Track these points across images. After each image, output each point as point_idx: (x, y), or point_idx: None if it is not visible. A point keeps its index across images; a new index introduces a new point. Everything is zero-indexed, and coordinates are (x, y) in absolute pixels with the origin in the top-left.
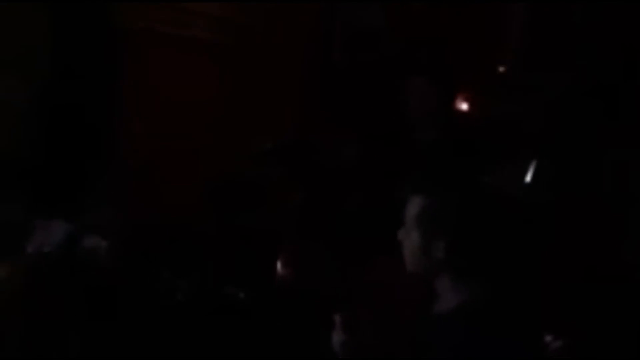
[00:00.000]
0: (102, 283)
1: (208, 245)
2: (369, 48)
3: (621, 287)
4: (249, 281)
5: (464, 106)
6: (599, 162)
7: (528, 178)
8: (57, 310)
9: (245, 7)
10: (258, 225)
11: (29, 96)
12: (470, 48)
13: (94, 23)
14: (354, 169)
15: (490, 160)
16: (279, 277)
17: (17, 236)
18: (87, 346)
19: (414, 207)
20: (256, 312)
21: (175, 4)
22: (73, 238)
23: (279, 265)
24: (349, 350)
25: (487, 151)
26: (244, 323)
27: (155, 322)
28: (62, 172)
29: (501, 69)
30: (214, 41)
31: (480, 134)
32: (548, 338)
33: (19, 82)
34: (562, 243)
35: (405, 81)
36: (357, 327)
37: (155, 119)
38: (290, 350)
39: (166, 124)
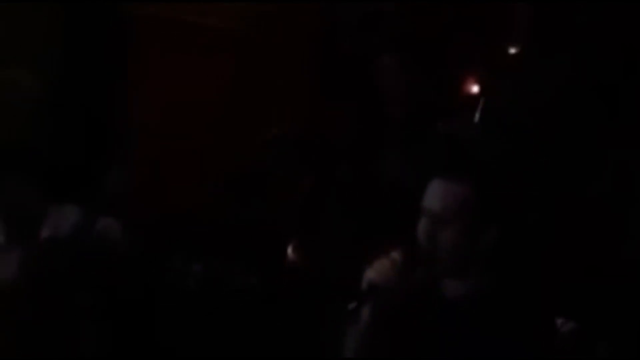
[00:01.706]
0: (116, 267)
1: (220, 232)
2: (375, 33)
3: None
4: (260, 267)
5: (473, 87)
6: (599, 159)
7: (476, 117)
8: (71, 294)
9: None
10: (268, 213)
11: (42, 85)
12: (480, 30)
13: (104, 11)
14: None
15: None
16: (289, 263)
17: (32, 222)
18: (100, 330)
19: (428, 195)
20: (267, 297)
21: None
22: (86, 221)
23: (289, 252)
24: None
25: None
26: (255, 308)
27: (167, 307)
28: (76, 158)
29: (512, 50)
30: (224, 29)
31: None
32: (560, 321)
33: (30, 71)
34: (563, 239)
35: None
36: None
37: (166, 106)
38: (300, 335)
39: (175, 112)
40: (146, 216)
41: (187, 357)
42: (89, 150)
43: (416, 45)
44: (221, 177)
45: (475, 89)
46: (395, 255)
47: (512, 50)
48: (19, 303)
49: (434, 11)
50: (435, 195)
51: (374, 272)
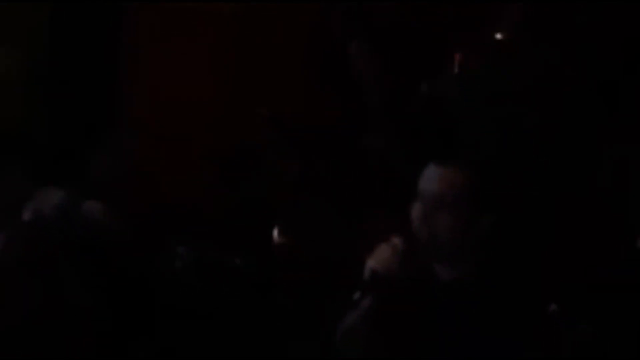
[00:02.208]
0: (101, 248)
1: (207, 214)
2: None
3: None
4: (246, 248)
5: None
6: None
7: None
8: (56, 276)
9: None
10: (257, 194)
11: (27, 66)
12: (467, 14)
13: None
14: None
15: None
16: (276, 245)
17: (15, 205)
18: (86, 310)
19: (425, 180)
20: (253, 279)
21: None
22: (71, 204)
23: (276, 233)
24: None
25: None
26: (241, 290)
27: (153, 288)
28: (61, 141)
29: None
30: (215, 12)
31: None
32: (553, 307)
33: (18, 51)
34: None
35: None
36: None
37: (154, 90)
38: (286, 317)
39: (164, 95)
40: (132, 199)
41: (174, 337)
42: (75, 133)
43: (387, 31)
44: (209, 159)
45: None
46: (396, 241)
47: (498, 36)
48: (2, 286)
49: None
50: (432, 179)
51: (376, 260)
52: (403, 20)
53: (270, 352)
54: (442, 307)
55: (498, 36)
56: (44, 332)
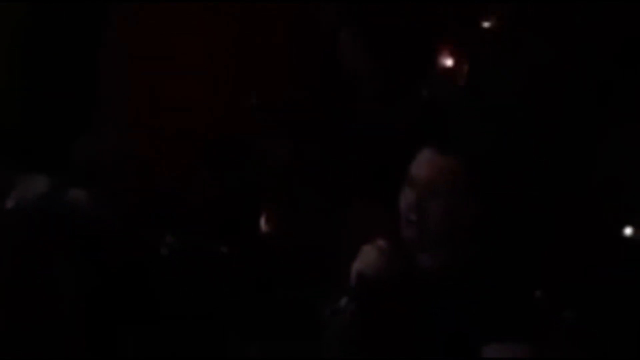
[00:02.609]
0: (84, 238)
1: (193, 200)
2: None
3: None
4: (232, 236)
5: (446, 61)
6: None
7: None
8: (40, 264)
9: None
10: (243, 180)
11: (11, 52)
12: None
13: None
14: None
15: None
16: (263, 232)
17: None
18: (71, 299)
19: (416, 165)
20: (239, 266)
21: None
22: (55, 191)
23: (262, 220)
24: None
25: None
26: (227, 277)
27: (138, 276)
28: (45, 126)
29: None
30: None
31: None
32: (537, 293)
33: None
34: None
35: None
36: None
37: (140, 74)
38: (273, 305)
39: (150, 79)
40: (118, 187)
41: (159, 324)
42: (59, 120)
43: (376, 18)
44: (196, 147)
45: (448, 62)
46: (381, 243)
47: (487, 24)
48: None
49: None
50: (424, 166)
51: (362, 263)
52: (395, 7)
53: (258, 341)
54: (429, 300)
55: (485, 25)
56: (28, 321)
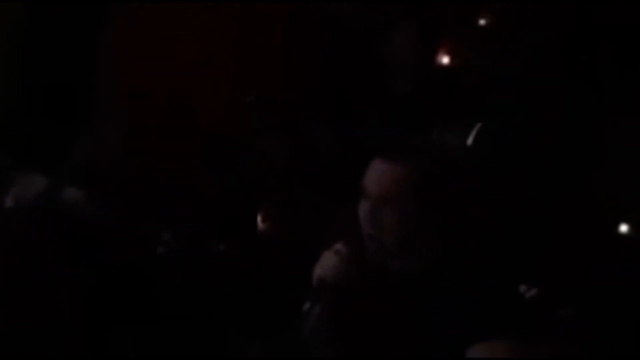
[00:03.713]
0: (82, 236)
1: (190, 198)
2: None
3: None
4: (230, 234)
5: (443, 59)
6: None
7: (470, 141)
8: (36, 264)
9: None
10: (241, 179)
11: (8, 49)
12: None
13: None
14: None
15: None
16: (260, 230)
17: None
18: (69, 299)
19: (369, 176)
20: (237, 264)
21: None
22: (52, 191)
23: (260, 218)
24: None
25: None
26: (224, 275)
27: (137, 274)
28: (42, 124)
29: (482, 22)
30: None
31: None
32: (522, 288)
33: None
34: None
35: (393, 26)
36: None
37: (137, 71)
38: (269, 303)
39: (147, 76)
40: (115, 186)
41: (157, 322)
42: (56, 116)
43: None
44: (194, 145)
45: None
46: (339, 247)
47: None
48: None
49: None
50: (375, 177)
51: (322, 268)
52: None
53: (257, 340)
54: (398, 301)
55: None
56: (26, 320)
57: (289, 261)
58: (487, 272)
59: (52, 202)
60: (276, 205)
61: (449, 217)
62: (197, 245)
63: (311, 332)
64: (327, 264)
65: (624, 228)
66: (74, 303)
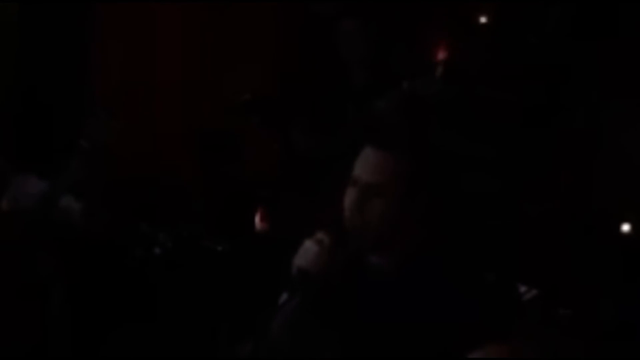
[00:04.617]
0: (77, 241)
1: (186, 199)
2: None
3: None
4: (227, 234)
5: (441, 55)
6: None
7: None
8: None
9: None
10: (236, 178)
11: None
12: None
13: None
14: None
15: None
16: (257, 230)
17: None
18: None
19: (360, 164)
20: (234, 265)
21: None
22: (49, 197)
23: (256, 218)
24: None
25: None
26: (222, 276)
27: (134, 275)
28: (39, 128)
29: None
30: None
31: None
32: (521, 289)
33: None
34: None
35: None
36: None
37: (132, 71)
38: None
39: (143, 76)
40: (111, 187)
41: (154, 323)
42: (52, 120)
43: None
44: (191, 142)
45: (441, 55)
46: (321, 236)
47: (482, 20)
48: None
49: None
50: (366, 166)
51: (303, 258)
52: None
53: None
54: (376, 294)
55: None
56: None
57: (284, 260)
58: (467, 267)
59: (49, 208)
60: (273, 204)
61: (434, 210)
62: (194, 245)
63: (283, 326)
64: (308, 253)
65: (626, 228)
66: (63, 305)
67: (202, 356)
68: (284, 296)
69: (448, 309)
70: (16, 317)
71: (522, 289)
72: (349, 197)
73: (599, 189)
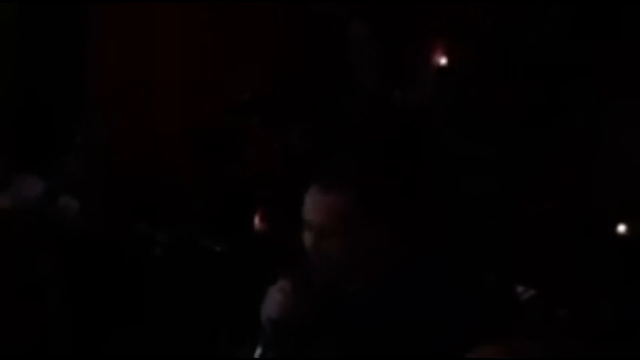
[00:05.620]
0: (76, 241)
1: (186, 199)
2: None
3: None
4: (226, 234)
5: (439, 57)
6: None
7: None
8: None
9: None
10: (236, 178)
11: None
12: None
13: None
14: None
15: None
16: (256, 230)
17: None
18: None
19: (307, 207)
20: (233, 265)
21: None
22: (49, 197)
23: (256, 219)
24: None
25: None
26: (221, 276)
27: (134, 275)
28: (39, 128)
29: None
30: None
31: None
32: (520, 289)
33: None
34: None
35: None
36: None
37: (132, 71)
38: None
39: (143, 76)
40: (110, 187)
41: (153, 323)
42: (52, 120)
43: (388, 13)
44: (191, 142)
45: (443, 60)
46: (282, 283)
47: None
48: None
49: None
50: (314, 207)
51: (269, 309)
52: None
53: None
54: (353, 323)
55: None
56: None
57: (284, 260)
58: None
59: (48, 208)
60: (272, 204)
61: (395, 238)
62: (193, 245)
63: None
64: (273, 303)
65: (621, 228)
66: (61, 306)
67: (202, 356)
68: (259, 351)
69: (448, 309)
70: (16, 317)
71: (520, 289)
72: (306, 240)
73: (599, 189)
